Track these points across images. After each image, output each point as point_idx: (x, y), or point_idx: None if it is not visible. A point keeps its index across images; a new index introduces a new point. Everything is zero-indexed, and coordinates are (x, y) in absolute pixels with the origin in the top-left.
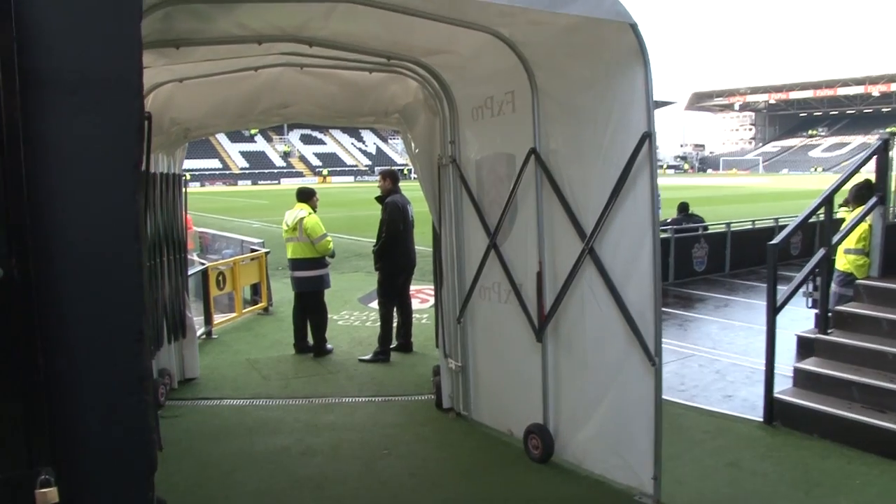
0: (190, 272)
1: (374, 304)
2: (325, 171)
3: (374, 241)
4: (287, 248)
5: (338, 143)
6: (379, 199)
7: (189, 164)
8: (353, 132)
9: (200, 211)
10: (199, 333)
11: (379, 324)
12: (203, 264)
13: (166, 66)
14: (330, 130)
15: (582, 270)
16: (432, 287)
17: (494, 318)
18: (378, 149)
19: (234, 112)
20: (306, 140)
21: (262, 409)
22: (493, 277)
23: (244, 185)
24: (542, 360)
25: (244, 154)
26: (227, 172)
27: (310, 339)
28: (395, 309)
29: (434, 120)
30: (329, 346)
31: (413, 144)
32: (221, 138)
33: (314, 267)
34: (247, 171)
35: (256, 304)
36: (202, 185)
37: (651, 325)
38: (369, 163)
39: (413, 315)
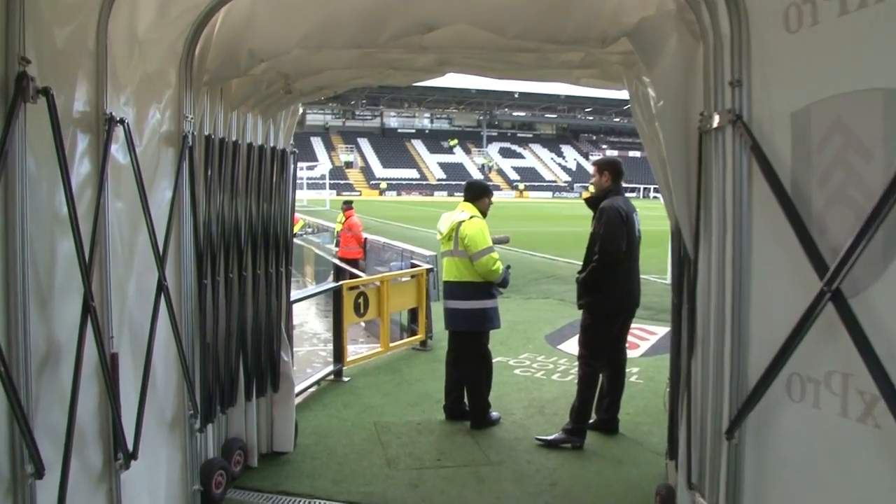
0: (318, 289)
1: (567, 347)
2: (521, 186)
3: (581, 264)
4: (443, 266)
5: (537, 158)
6: (590, 203)
7: (386, 172)
8: (553, 146)
9: (387, 218)
10: (325, 374)
11: (576, 385)
12: (354, 276)
13: None
14: (530, 144)
15: None
16: (646, 326)
17: (821, 445)
18: (578, 165)
19: (347, 39)
20: (505, 153)
21: None
22: (828, 363)
23: (440, 196)
24: None
25: (442, 165)
26: (424, 183)
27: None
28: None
29: (694, 48)
30: (494, 413)
31: (652, 93)
32: (420, 147)
33: (474, 295)
34: (444, 183)
35: (414, 334)
36: (398, 194)
37: None
38: (569, 179)
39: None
